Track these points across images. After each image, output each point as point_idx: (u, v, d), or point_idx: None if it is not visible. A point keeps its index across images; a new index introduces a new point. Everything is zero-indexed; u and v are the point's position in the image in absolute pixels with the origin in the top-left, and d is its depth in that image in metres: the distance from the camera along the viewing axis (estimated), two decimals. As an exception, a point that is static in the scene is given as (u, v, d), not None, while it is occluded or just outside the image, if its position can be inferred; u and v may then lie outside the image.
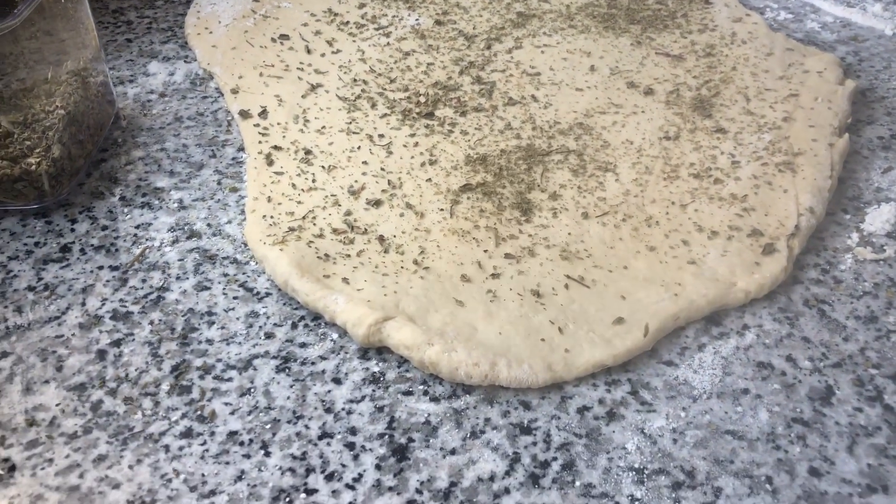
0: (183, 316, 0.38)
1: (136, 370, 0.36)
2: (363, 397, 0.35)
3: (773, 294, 0.39)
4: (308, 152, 0.47)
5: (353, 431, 0.34)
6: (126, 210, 0.44)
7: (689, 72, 0.53)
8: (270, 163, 0.46)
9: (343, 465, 0.32)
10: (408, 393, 0.35)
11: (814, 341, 0.37)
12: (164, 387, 0.35)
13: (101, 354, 0.37)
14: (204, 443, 0.33)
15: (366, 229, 0.42)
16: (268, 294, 0.40)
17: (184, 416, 0.34)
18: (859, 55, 0.56)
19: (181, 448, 0.33)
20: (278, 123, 0.49)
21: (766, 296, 0.39)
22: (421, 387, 0.35)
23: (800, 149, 0.47)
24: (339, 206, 0.44)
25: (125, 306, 0.39)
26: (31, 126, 0.43)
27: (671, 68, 0.54)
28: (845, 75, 0.54)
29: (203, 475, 0.32)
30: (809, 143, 0.47)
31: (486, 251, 0.41)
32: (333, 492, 0.31)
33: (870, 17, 0.59)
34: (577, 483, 0.32)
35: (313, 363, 0.36)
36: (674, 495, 0.31)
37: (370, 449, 0.33)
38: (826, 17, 0.60)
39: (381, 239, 0.41)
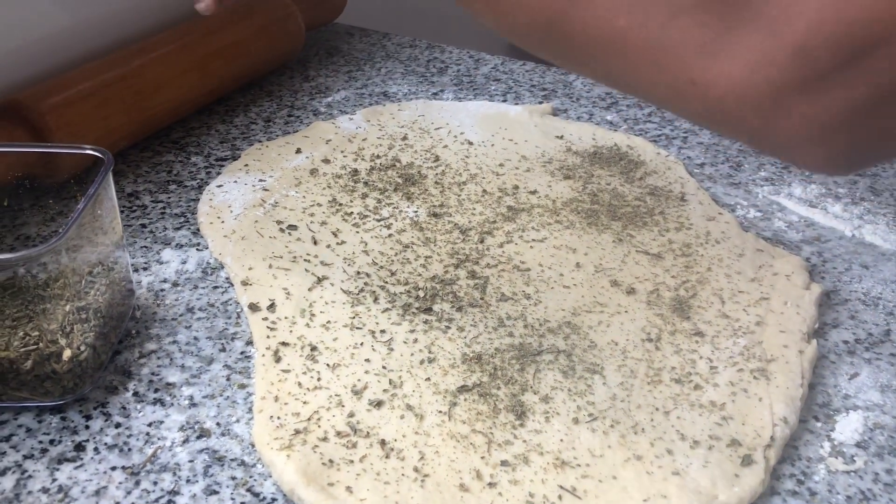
0: (193, 523, 0.40)
1: (146, 582, 0.37)
2: None
3: (752, 506, 0.42)
4: (314, 349, 0.50)
5: None
6: (139, 406, 0.46)
7: (668, 271, 0.58)
8: (278, 360, 0.49)
9: None
10: None
11: (793, 557, 0.39)
12: None
13: (113, 564, 0.38)
14: None
15: (368, 432, 0.44)
16: (274, 500, 0.41)
17: None
18: (823, 255, 0.61)
19: None
20: (286, 317, 0.52)
21: (746, 508, 0.42)
22: None
23: (772, 355, 0.50)
24: (343, 406, 0.46)
25: (137, 511, 0.40)
26: (64, 326, 0.45)
27: (651, 267, 0.58)
28: (811, 277, 0.58)
29: None
30: (781, 350, 0.51)
31: (482, 458, 0.43)
32: None
33: (831, 218, 0.65)
34: None
35: (318, 576, 0.38)
36: None
37: None
38: (792, 217, 0.65)
39: (383, 443, 0.44)
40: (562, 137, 0.74)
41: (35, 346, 0.45)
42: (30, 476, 0.42)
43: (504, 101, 0.82)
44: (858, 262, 0.60)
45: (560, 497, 0.41)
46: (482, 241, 0.60)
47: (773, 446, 0.44)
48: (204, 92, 0.74)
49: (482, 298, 0.55)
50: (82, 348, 0.46)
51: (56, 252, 0.43)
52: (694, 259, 0.59)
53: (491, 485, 0.42)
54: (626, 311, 0.54)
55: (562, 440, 0.44)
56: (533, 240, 0.61)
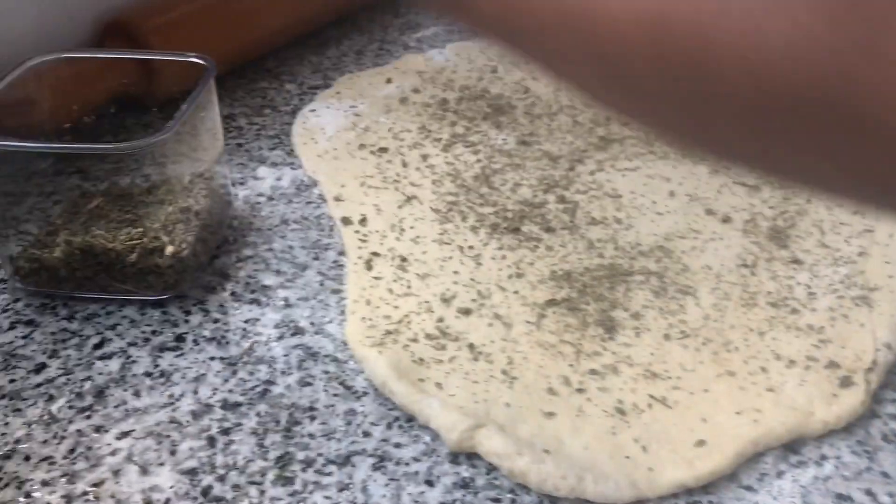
0: (287, 409, 0.41)
1: (243, 459, 0.39)
2: (454, 501, 0.37)
3: (850, 426, 0.41)
4: (404, 259, 0.50)
5: (444, 534, 0.35)
6: (236, 305, 0.48)
7: (766, 202, 0.56)
8: (369, 268, 0.50)
9: (435, 567, 0.34)
10: (496, 500, 0.37)
11: (893, 477, 0.38)
12: (270, 477, 0.38)
13: (212, 441, 0.39)
14: (305, 534, 0.35)
15: (457, 337, 0.45)
16: (365, 393, 0.42)
17: (287, 506, 0.36)
18: (932, 194, 0.58)
19: (285, 537, 0.35)
20: (376, 231, 0.53)
21: (843, 428, 0.41)
22: (509, 495, 0.37)
23: (876, 284, 0.48)
24: (432, 312, 0.46)
25: (234, 397, 0.42)
26: (166, 225, 0.47)
27: (748, 197, 0.56)
28: (919, 213, 0.55)
29: (305, 566, 0.34)
30: (885, 279, 0.49)
31: (571, 365, 0.43)
32: (426, 592, 0.33)
33: (942, 157, 0.61)
34: None
35: (407, 464, 0.39)
36: None
37: (461, 552, 0.35)
38: (898, 155, 0.62)
39: (471, 347, 0.44)
40: (655, 73, 0.73)
41: (139, 241, 0.46)
42: (134, 361, 0.44)
43: (596, 39, 0.80)
44: (971, 200, 0.57)
45: (650, 406, 0.41)
46: (572, 169, 0.60)
47: (874, 370, 0.43)
48: (298, 20, 0.75)
49: (572, 221, 0.54)
50: (183, 245, 0.47)
51: (164, 149, 0.45)
52: (793, 191, 0.57)
53: (579, 390, 0.42)
54: (721, 239, 0.53)
55: (652, 354, 0.44)
56: (625, 168, 0.60)
